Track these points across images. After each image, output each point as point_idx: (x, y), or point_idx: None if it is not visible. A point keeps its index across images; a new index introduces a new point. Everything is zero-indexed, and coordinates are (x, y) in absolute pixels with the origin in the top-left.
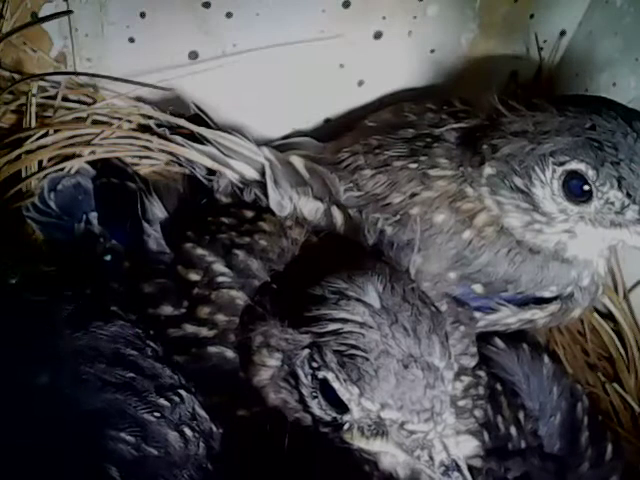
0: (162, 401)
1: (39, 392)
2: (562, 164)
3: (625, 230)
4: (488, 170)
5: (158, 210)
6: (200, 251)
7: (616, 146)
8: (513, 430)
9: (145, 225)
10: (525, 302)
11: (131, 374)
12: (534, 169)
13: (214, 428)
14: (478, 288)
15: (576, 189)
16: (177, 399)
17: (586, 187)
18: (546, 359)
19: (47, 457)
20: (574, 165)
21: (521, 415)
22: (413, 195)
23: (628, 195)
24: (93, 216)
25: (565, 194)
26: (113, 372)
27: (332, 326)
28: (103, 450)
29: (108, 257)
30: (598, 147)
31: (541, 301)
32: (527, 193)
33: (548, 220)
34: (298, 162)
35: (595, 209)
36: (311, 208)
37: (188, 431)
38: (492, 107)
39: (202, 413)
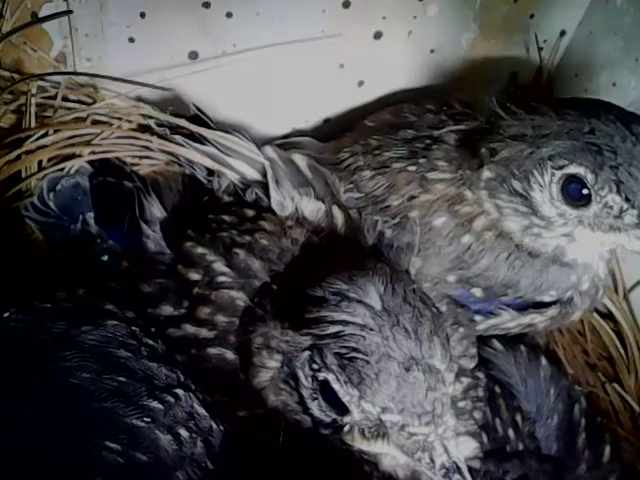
0: (154, 404)
1: (22, 411)
2: (561, 168)
3: (624, 234)
4: (487, 173)
5: (157, 210)
6: (200, 250)
7: (615, 150)
8: (511, 432)
9: (143, 226)
10: (525, 307)
11: (121, 378)
12: (533, 173)
13: (214, 425)
14: (477, 292)
15: (575, 193)
16: (172, 400)
17: (585, 191)
18: (543, 361)
19: (32, 472)
20: (573, 169)
21: (518, 417)
22: (412, 198)
23: (627, 199)
24: (90, 216)
25: (564, 198)
26: (100, 380)
27: (333, 328)
28: (88, 460)
29: (105, 257)
30: (597, 151)
31: (540, 305)
32: (526, 197)
33: (547, 224)
34: (301, 161)
35: (594, 213)
36: (312, 208)
37: (183, 432)
38: (491, 110)
39: (201, 411)
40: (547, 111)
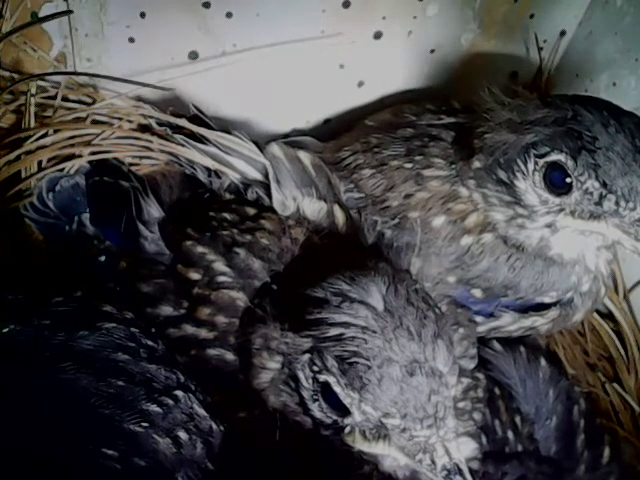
0: (153, 407)
1: (21, 423)
2: (543, 156)
3: (603, 223)
4: (476, 163)
5: (154, 210)
6: (200, 249)
7: (595, 135)
8: (510, 434)
9: (141, 227)
10: (525, 308)
11: (119, 383)
12: (516, 162)
13: (214, 426)
14: (477, 293)
15: (558, 181)
16: (171, 402)
17: (568, 179)
18: (543, 362)
19: None
20: (554, 156)
21: (517, 419)
22: (408, 196)
23: (604, 184)
24: (86, 217)
25: (546, 186)
26: (98, 387)
27: (334, 331)
28: (86, 468)
29: (102, 258)
30: (577, 136)
31: (541, 307)
32: (510, 186)
33: (530, 213)
34: (306, 159)
35: (575, 200)
36: (314, 208)
37: (183, 434)
38: (484, 102)
39: (201, 412)
40: (534, 99)
